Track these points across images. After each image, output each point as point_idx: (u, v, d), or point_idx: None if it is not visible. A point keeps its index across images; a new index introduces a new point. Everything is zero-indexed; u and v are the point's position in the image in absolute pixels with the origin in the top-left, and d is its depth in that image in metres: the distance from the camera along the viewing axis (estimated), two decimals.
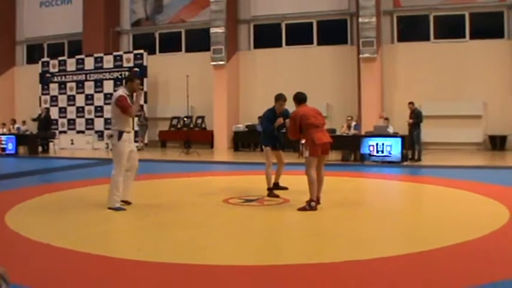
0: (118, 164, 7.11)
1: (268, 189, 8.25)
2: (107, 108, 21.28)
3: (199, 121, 21.57)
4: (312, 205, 6.90)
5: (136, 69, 21.51)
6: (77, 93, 22.89)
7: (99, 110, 22.14)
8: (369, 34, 18.22)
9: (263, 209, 7.32)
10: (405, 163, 13.85)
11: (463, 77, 18.38)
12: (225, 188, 9.50)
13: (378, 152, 13.95)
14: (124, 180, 7.22)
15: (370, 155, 14.06)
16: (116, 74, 21.71)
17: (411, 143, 14.41)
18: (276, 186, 8.49)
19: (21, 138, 18.89)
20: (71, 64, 22.98)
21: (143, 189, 9.38)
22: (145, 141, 20.87)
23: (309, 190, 6.97)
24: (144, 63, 21.56)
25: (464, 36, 18.80)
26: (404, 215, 7.13)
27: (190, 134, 19.38)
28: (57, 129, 22.35)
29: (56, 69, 23.29)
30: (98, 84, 22.35)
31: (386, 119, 15.53)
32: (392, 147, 13.79)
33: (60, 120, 23.06)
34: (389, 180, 11.08)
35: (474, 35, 18.66)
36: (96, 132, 22.02)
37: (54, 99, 23.26)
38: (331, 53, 20.19)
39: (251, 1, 21.43)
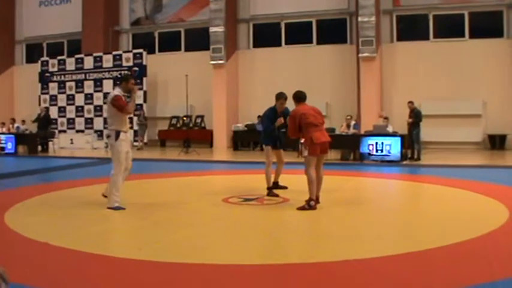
0: (117, 163, 7.12)
1: (268, 188, 8.25)
2: (106, 107, 21.26)
3: (198, 120, 21.57)
4: (311, 204, 6.90)
5: (135, 68, 21.52)
6: (77, 92, 22.89)
7: (98, 109, 22.14)
8: (369, 33, 18.22)
9: (262, 208, 7.32)
10: (404, 162, 13.86)
11: (463, 76, 18.38)
12: (224, 187, 9.51)
13: (377, 151, 13.95)
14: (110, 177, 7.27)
15: (369, 154, 14.07)
16: (115, 74, 21.68)
17: (410, 142, 14.42)
18: (276, 185, 8.49)
19: (20, 138, 18.88)
20: (70, 63, 22.98)
21: (143, 189, 9.39)
22: (145, 140, 20.86)
23: (308, 189, 6.97)
24: (144, 63, 21.56)
25: (463, 36, 18.81)
26: (404, 214, 7.13)
27: (189, 133, 19.37)
28: (56, 128, 22.34)
29: (56, 69, 23.28)
30: (98, 83, 22.35)
31: (386, 118, 15.53)
32: (392, 147, 13.79)
33: (60, 120, 23.06)
34: (389, 180, 11.08)
35: (473, 34, 18.66)
36: (96, 131, 22.01)
37: (53, 99, 23.26)
38: (330, 52, 20.19)
39: (250, 0, 21.43)
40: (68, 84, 23.05)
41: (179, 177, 11.16)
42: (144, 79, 21.45)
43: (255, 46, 21.67)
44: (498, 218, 6.10)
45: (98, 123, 22.06)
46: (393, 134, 14.28)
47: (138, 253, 4.77)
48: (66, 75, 23.07)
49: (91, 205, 7.35)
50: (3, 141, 18.49)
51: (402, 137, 14.02)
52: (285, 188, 8.58)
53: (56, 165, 14.64)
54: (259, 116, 19.22)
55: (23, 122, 21.39)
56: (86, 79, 22.68)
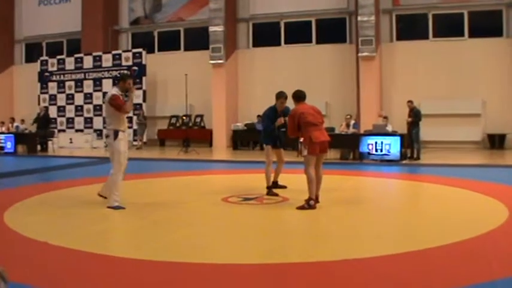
0: (117, 162, 7.12)
1: (268, 187, 8.25)
2: (104, 107, 21.27)
3: (198, 120, 21.57)
4: (310, 204, 6.90)
5: (135, 67, 21.51)
6: (76, 92, 22.89)
7: (98, 108, 22.12)
8: (368, 33, 18.23)
9: (262, 208, 7.32)
10: (404, 162, 13.86)
11: (462, 76, 18.38)
12: (223, 187, 9.50)
13: (376, 150, 13.95)
14: (110, 176, 7.29)
15: (369, 153, 14.07)
16: (114, 73, 21.66)
17: (410, 141, 14.42)
18: (275, 184, 8.49)
19: (20, 137, 18.86)
20: (70, 63, 22.98)
21: (142, 188, 9.39)
22: (144, 140, 20.86)
23: (307, 189, 6.97)
24: (143, 62, 21.56)
25: (463, 35, 18.81)
26: (403, 213, 7.13)
27: (189, 133, 19.38)
28: (56, 128, 22.34)
29: (55, 68, 23.27)
30: (97, 83, 22.34)
31: (385, 117, 15.53)
32: (391, 146, 13.80)
33: (59, 119, 23.06)
34: (388, 179, 11.07)
35: (473, 34, 18.66)
36: (95, 130, 22.00)
37: (53, 98, 23.25)
38: (330, 51, 20.19)
39: (250, 0, 21.42)
40: (67, 83, 23.04)
41: (179, 177, 11.16)
42: (144, 78, 21.45)
43: (254, 45, 21.67)
44: (497, 218, 6.10)
45: (98, 122, 22.04)
46: (393, 134, 14.28)
47: (138, 252, 4.77)
48: (66, 75, 23.06)
49: (90, 204, 7.35)
50: (2, 141, 18.48)
51: (402, 136, 14.02)
52: (284, 187, 8.58)
53: (56, 164, 14.64)
54: (258, 116, 19.22)
55: (22, 121, 21.37)
56: (85, 78, 22.68)
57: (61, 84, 23.14)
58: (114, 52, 22.31)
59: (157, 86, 22.57)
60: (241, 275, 4.18)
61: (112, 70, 21.75)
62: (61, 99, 23.14)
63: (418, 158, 14.29)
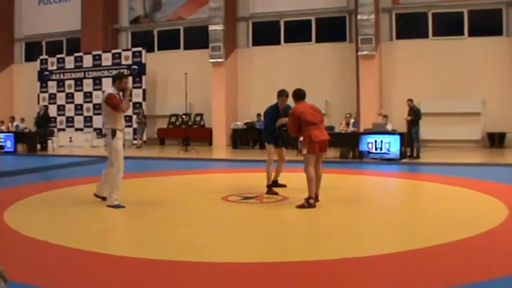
0: (116, 161, 7.14)
1: (268, 186, 8.25)
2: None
3: (197, 118, 21.56)
4: (310, 202, 6.90)
5: (134, 66, 21.52)
6: (76, 90, 22.89)
7: (97, 107, 22.07)
8: (368, 31, 18.22)
9: (262, 207, 7.32)
10: (404, 160, 13.86)
11: (462, 74, 18.38)
12: (223, 186, 9.51)
13: (376, 149, 13.96)
14: (105, 175, 7.33)
15: (368, 152, 14.07)
16: (114, 72, 21.58)
17: (410, 140, 14.42)
18: (275, 183, 8.49)
19: (19, 136, 18.86)
20: (70, 62, 22.98)
21: (142, 187, 9.39)
22: (144, 138, 20.87)
23: (307, 187, 6.98)
24: (143, 61, 21.56)
25: (462, 34, 18.81)
26: (403, 212, 7.14)
27: (188, 132, 19.38)
28: (55, 126, 22.34)
29: (55, 67, 23.27)
30: (97, 81, 22.34)
31: (385, 116, 15.54)
32: (391, 145, 13.80)
33: (59, 118, 23.06)
34: (388, 178, 11.08)
35: (473, 33, 18.65)
36: (95, 129, 22.00)
37: (52, 97, 23.25)
38: (329, 50, 20.19)
39: None
40: (67, 82, 23.04)
41: (178, 176, 11.17)
42: (143, 77, 21.46)
43: (254, 44, 21.67)
44: (497, 216, 6.10)
45: (97, 121, 22.01)
46: (392, 132, 14.28)
47: (138, 251, 4.78)
48: (65, 74, 23.06)
49: (90, 203, 7.36)
50: (2, 140, 18.48)
51: (401, 135, 14.02)
52: (284, 186, 8.58)
53: (55, 163, 14.64)
54: (258, 114, 19.24)
55: (22, 120, 21.38)
56: (85, 77, 22.68)
57: (61, 83, 23.14)
58: (113, 51, 22.31)
59: (157, 85, 22.56)
60: (241, 273, 4.18)
61: (112, 69, 21.71)
62: (61, 98, 23.14)
63: (417, 156, 14.29)
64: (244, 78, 21.43)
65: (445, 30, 19.08)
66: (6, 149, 18.30)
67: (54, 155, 17.33)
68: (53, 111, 22.58)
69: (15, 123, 20.87)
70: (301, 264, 4.38)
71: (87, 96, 22.58)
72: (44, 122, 19.10)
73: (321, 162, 7.29)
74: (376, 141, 13.97)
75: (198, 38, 21.93)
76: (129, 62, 21.72)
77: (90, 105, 22.44)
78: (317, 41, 20.68)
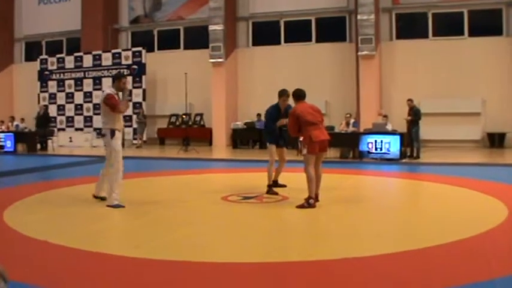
0: (115, 161, 7.15)
1: (268, 186, 8.24)
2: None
3: (197, 118, 21.55)
4: (310, 202, 6.90)
5: (134, 66, 21.51)
6: (76, 90, 22.88)
7: (97, 107, 22.05)
8: (368, 31, 18.22)
9: (262, 207, 7.32)
10: (404, 160, 13.86)
11: (462, 75, 18.38)
12: (223, 186, 9.51)
13: (376, 149, 13.95)
14: (103, 175, 7.33)
15: (368, 152, 14.07)
16: (114, 72, 21.60)
17: (410, 140, 14.41)
18: (275, 183, 8.49)
19: (19, 136, 18.86)
20: (70, 61, 22.97)
21: (142, 187, 9.39)
22: (144, 138, 20.87)
23: (307, 187, 6.98)
24: (143, 61, 21.55)
25: (462, 34, 18.80)
26: (403, 212, 7.14)
27: (188, 132, 19.38)
28: (55, 126, 22.34)
29: (55, 67, 23.26)
30: (97, 81, 22.33)
31: (385, 116, 15.54)
32: (391, 145, 13.80)
33: (59, 118, 23.05)
34: (388, 178, 11.08)
35: (473, 33, 18.65)
36: (95, 129, 21.98)
37: (52, 97, 23.25)
38: (329, 50, 20.19)
39: None
40: (67, 82, 23.04)
41: (178, 176, 11.17)
42: (143, 77, 21.45)
43: (254, 44, 21.66)
44: (497, 216, 6.10)
45: (97, 121, 21.98)
46: (392, 132, 14.29)
47: (138, 251, 4.78)
48: (65, 74, 23.06)
49: (90, 203, 7.36)
50: (2, 140, 18.48)
51: (401, 135, 14.02)
52: (284, 186, 8.57)
53: (55, 163, 14.64)
54: (258, 114, 19.24)
55: (22, 120, 21.38)
56: (85, 77, 22.67)
57: (61, 83, 23.14)
58: (113, 51, 22.30)
59: (157, 85, 22.56)
60: (241, 273, 4.18)
61: (112, 69, 21.70)
62: (61, 98, 23.14)
63: (417, 156, 14.29)
64: (244, 78, 21.43)
65: (445, 30, 19.08)
66: (6, 149, 18.29)
67: (54, 155, 17.32)
68: (53, 111, 22.58)
69: (15, 123, 20.87)
70: (301, 264, 4.38)
71: (87, 96, 22.57)
72: (44, 121, 19.11)
73: (321, 162, 7.30)
74: (376, 141, 13.97)
75: (198, 38, 21.92)
76: (129, 61, 21.71)
77: (90, 105, 22.43)
78: (317, 41, 20.67)
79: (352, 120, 15.97)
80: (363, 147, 14.15)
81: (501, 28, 18.42)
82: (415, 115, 14.44)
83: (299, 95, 7.34)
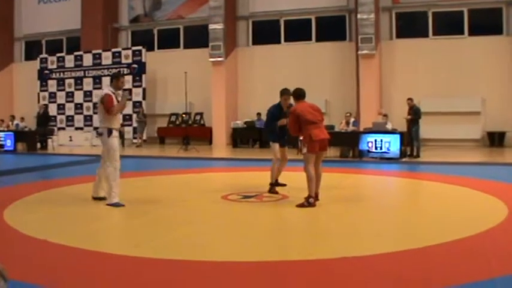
0: (112, 160, 7.17)
1: (271, 184, 8.23)
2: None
3: (197, 117, 21.55)
4: (310, 201, 6.90)
5: (134, 65, 21.51)
6: (76, 89, 22.87)
7: (97, 106, 22.06)
8: (368, 30, 18.21)
9: (262, 206, 7.32)
10: (404, 159, 13.86)
11: (462, 74, 18.37)
12: (223, 185, 9.51)
13: (376, 148, 13.96)
14: (99, 175, 7.36)
15: (368, 151, 14.07)
16: (114, 71, 21.62)
17: (410, 139, 14.42)
18: (275, 182, 8.48)
19: (19, 135, 18.86)
20: (70, 61, 22.96)
21: (142, 186, 9.39)
22: (144, 137, 20.86)
23: (307, 186, 6.98)
24: (143, 60, 21.54)
25: (463, 33, 18.79)
26: (403, 211, 7.14)
27: (188, 131, 19.38)
28: (55, 125, 22.33)
29: (55, 66, 23.26)
30: (97, 80, 22.31)
31: (385, 115, 15.54)
32: (391, 144, 13.80)
33: (59, 117, 23.04)
34: (388, 177, 11.09)
35: (473, 32, 18.64)
36: (95, 128, 21.93)
37: (52, 96, 23.24)
38: (329, 49, 20.18)
39: None
40: (67, 81, 23.03)
41: (178, 175, 11.17)
42: (143, 76, 21.45)
43: (254, 43, 21.65)
44: (497, 215, 6.10)
45: (97, 120, 21.96)
46: (392, 131, 14.29)
47: (137, 250, 4.77)
48: (65, 73, 23.05)
49: (90, 202, 7.36)
50: (2, 139, 18.48)
51: (401, 134, 14.02)
52: (284, 185, 8.57)
53: (55, 162, 14.64)
54: (258, 113, 19.24)
55: (22, 119, 21.38)
56: (85, 76, 22.66)
57: (61, 82, 23.13)
58: (113, 50, 22.30)
59: (157, 84, 22.55)
60: (241, 272, 4.18)
61: (112, 68, 21.70)
62: (61, 97, 23.13)
63: (417, 155, 14.29)
64: (244, 77, 21.43)
65: (445, 30, 19.07)
66: (6, 148, 18.29)
67: (54, 154, 17.32)
68: (53, 110, 22.58)
69: (15, 122, 20.87)
70: (301, 263, 4.38)
71: (87, 95, 22.56)
72: (44, 120, 19.11)
73: (321, 161, 7.30)
74: (376, 140, 13.97)
75: (198, 37, 21.91)
76: (129, 60, 21.71)
77: (90, 104, 22.42)
78: (317, 40, 20.66)
79: (352, 119, 15.97)
80: (363, 146, 14.15)
81: (501, 27, 18.41)
82: (415, 114, 14.44)
83: (299, 94, 7.34)
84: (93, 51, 22.32)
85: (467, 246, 4.86)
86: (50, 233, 5.39)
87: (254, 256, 4.66)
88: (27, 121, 21.53)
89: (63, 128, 22.80)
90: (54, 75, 23.26)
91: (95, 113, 22.13)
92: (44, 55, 23.91)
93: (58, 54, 23.48)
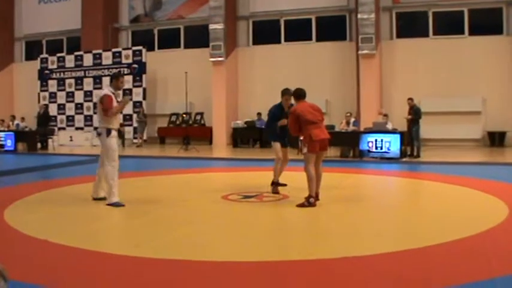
0: (111, 160, 7.19)
1: (274, 183, 8.21)
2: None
3: (198, 117, 21.56)
4: (310, 201, 6.90)
5: (135, 65, 21.51)
6: (76, 89, 22.88)
7: (97, 106, 22.06)
8: (368, 30, 18.21)
9: (262, 206, 7.32)
10: (404, 159, 13.85)
11: (462, 73, 18.37)
12: (224, 185, 9.51)
13: (376, 148, 13.95)
14: (99, 176, 7.37)
15: (369, 151, 14.07)
16: (114, 71, 21.62)
17: (410, 139, 14.41)
18: (277, 182, 8.48)
19: (20, 135, 18.87)
20: (70, 61, 22.96)
21: (142, 186, 9.39)
22: (144, 137, 20.86)
23: (307, 186, 6.98)
24: (143, 60, 21.54)
25: (463, 33, 18.79)
26: (403, 211, 7.14)
27: (189, 131, 19.38)
28: (56, 125, 22.33)
29: (55, 66, 23.26)
30: (97, 80, 22.31)
31: (385, 115, 15.54)
32: (391, 144, 13.80)
33: (59, 117, 23.05)
34: (388, 177, 11.09)
35: (473, 32, 18.64)
36: (95, 128, 21.91)
37: (53, 96, 23.24)
38: (330, 49, 20.18)
39: None
40: (67, 81, 23.04)
41: (179, 175, 11.17)
42: (144, 76, 21.45)
43: (254, 43, 21.66)
44: (497, 215, 6.10)
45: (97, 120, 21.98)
46: (393, 131, 14.29)
47: (138, 250, 4.78)
48: (66, 73, 23.05)
49: (90, 202, 7.36)
50: (2, 139, 18.48)
51: (402, 134, 14.02)
52: (284, 185, 8.56)
53: (56, 162, 14.64)
54: (258, 113, 19.24)
55: (23, 119, 21.39)
56: (85, 76, 22.66)
57: (61, 82, 23.13)
58: (114, 50, 22.30)
59: (157, 84, 22.55)
60: (241, 272, 4.18)
61: (112, 68, 21.69)
62: (61, 97, 23.13)
63: (418, 155, 14.29)
64: (244, 77, 21.43)
65: (445, 29, 19.07)
66: (6, 148, 18.30)
67: (54, 154, 17.32)
68: (53, 110, 22.57)
69: (15, 122, 20.87)
70: (302, 263, 4.38)
71: (88, 95, 22.56)
72: (44, 120, 19.11)
73: (321, 161, 7.30)
74: (376, 140, 13.97)
75: (198, 36, 21.92)
76: (130, 60, 21.71)
77: (91, 104, 22.41)
78: (317, 40, 20.66)
79: (352, 119, 15.97)
80: (363, 146, 14.15)
81: (501, 27, 18.41)
82: (415, 114, 14.43)
83: (299, 94, 7.35)
84: (94, 51, 22.32)
85: (468, 246, 4.85)
86: (51, 233, 5.39)
87: (254, 256, 4.65)
88: (28, 121, 21.54)
89: (64, 128, 22.80)
90: (54, 75, 23.26)
91: (95, 113, 22.13)
92: (44, 55, 23.92)
93: (58, 54, 23.49)
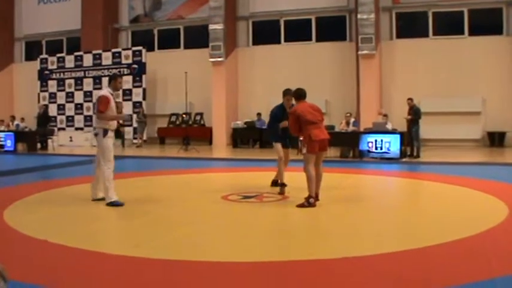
0: (108, 160, 7.22)
1: (281, 184, 8.18)
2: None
3: (197, 118, 21.56)
4: (310, 201, 6.90)
5: (134, 65, 21.51)
6: (76, 90, 22.88)
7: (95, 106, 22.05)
8: (368, 31, 18.21)
9: (262, 206, 7.32)
10: (404, 159, 13.85)
11: (462, 74, 18.37)
12: (223, 185, 9.51)
13: (376, 148, 13.95)
14: (98, 176, 7.37)
15: (368, 151, 14.07)
16: (114, 71, 21.59)
17: (410, 139, 14.41)
18: (276, 183, 8.49)
19: (20, 135, 18.87)
20: (70, 61, 22.96)
21: (142, 186, 9.39)
22: (144, 138, 20.86)
23: (307, 187, 6.98)
24: (143, 60, 21.55)
25: (463, 33, 18.79)
26: (403, 211, 7.13)
27: (189, 131, 19.38)
28: (55, 126, 22.33)
29: (55, 66, 23.27)
30: (97, 81, 22.31)
31: (385, 115, 15.54)
32: (391, 144, 13.80)
33: (59, 117, 23.05)
34: (388, 177, 11.08)
35: (473, 32, 18.64)
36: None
37: (52, 96, 23.24)
38: (330, 49, 20.18)
39: None
40: (67, 81, 23.04)
41: (178, 175, 11.17)
42: (143, 76, 21.45)
43: (254, 43, 21.66)
44: (497, 216, 6.10)
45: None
46: (392, 131, 14.29)
47: (137, 250, 4.77)
48: (66, 73, 23.06)
49: (90, 202, 7.36)
50: (2, 139, 18.48)
51: (401, 134, 14.02)
52: (284, 185, 8.55)
53: (55, 162, 14.64)
54: (258, 114, 19.25)
55: (23, 119, 21.38)
56: (85, 76, 22.67)
57: (61, 82, 23.14)
58: (114, 50, 22.30)
59: (157, 84, 22.55)
60: (241, 273, 4.18)
61: (112, 68, 21.70)
62: (61, 97, 23.14)
63: (417, 156, 14.29)
64: (244, 78, 21.43)
65: (445, 30, 19.07)
66: (6, 148, 18.30)
67: (54, 154, 17.32)
68: (53, 110, 22.58)
69: (15, 122, 20.87)
70: (302, 263, 4.38)
71: (87, 95, 22.56)
72: (44, 121, 19.11)
73: (321, 162, 7.30)
74: (376, 140, 13.97)
75: (198, 37, 21.92)
76: (129, 61, 21.71)
77: (90, 105, 22.39)
78: (317, 40, 20.66)
79: (352, 120, 15.97)
80: (363, 146, 14.15)
81: (501, 27, 18.41)
82: (415, 114, 14.43)
83: (299, 94, 7.35)
84: (93, 52, 22.33)
85: (467, 246, 4.85)
86: (50, 233, 5.39)
87: (254, 256, 4.65)
88: (28, 121, 21.54)
89: (63, 129, 22.80)
90: (54, 76, 23.26)
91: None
92: (44, 55, 23.93)
93: (58, 55, 23.49)
